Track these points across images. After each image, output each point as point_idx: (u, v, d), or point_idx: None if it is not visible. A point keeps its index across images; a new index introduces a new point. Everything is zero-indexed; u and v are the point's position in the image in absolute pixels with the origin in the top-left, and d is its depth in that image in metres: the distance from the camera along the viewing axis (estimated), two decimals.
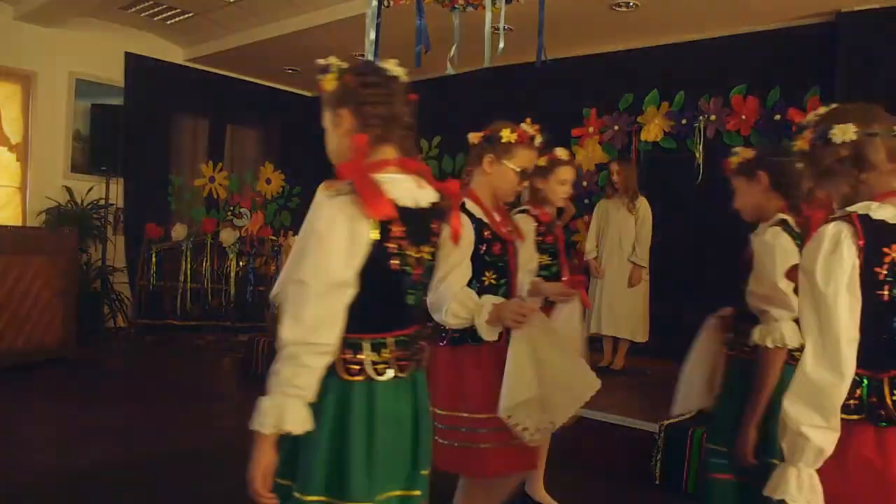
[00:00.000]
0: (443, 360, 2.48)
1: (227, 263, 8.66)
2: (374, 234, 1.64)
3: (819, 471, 1.56)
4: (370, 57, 3.81)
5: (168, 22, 8.06)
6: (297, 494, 1.70)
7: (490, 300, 2.33)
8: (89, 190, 8.16)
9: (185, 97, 9.06)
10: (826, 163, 1.71)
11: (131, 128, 8.23)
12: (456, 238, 1.88)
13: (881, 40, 5.66)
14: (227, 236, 8.57)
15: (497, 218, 2.62)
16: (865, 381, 1.63)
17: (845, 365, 1.55)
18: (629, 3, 6.14)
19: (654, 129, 6.91)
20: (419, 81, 8.93)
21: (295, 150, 10.09)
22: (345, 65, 1.84)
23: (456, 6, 3.96)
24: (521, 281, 2.73)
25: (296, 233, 7.92)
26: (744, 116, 6.36)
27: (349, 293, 1.64)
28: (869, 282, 1.58)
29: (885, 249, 1.59)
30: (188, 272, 8.51)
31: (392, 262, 1.70)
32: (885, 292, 1.59)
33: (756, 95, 6.33)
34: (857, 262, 1.58)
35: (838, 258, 1.57)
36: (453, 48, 4.05)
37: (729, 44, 6.52)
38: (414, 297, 1.80)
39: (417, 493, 1.79)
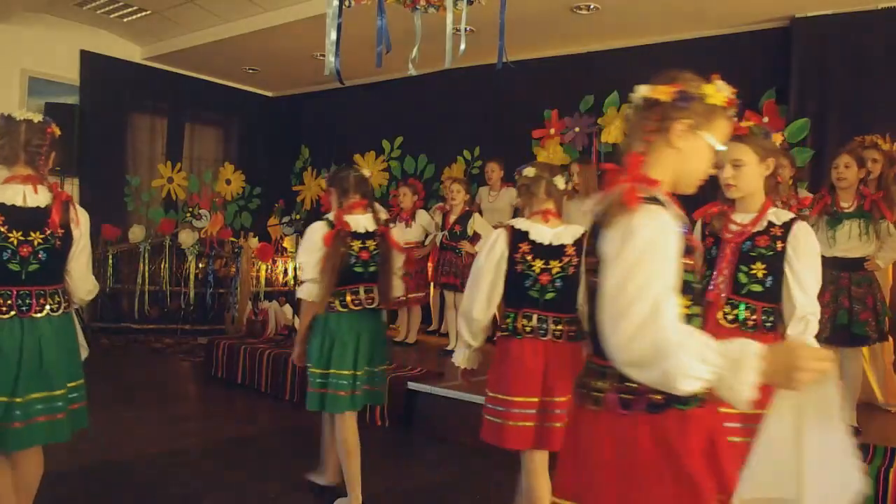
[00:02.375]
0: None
1: (186, 265, 8.55)
2: None
3: (497, 363, 3.02)
4: (331, 58, 3.78)
5: (125, 20, 7.93)
6: None
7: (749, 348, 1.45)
8: None
9: (142, 96, 8.93)
10: (519, 187, 3.16)
11: (87, 127, 8.08)
12: (54, 227, 2.73)
13: (834, 45, 5.80)
14: (186, 238, 8.45)
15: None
16: (512, 315, 2.97)
17: (485, 308, 2.94)
18: (590, 5, 6.20)
19: (614, 130, 6.98)
20: (380, 82, 8.94)
21: (255, 151, 10.01)
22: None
23: (417, 7, 3.95)
24: None
25: (256, 234, 7.83)
26: None
27: None
28: (512, 261, 2.94)
29: (519, 245, 2.96)
30: (146, 274, 8.38)
31: None
32: (517, 268, 2.94)
33: None
34: (506, 250, 2.95)
35: (494, 249, 2.96)
36: (414, 49, 4.04)
37: (687, 47, 6.62)
38: (19, 265, 2.68)
39: (18, 399, 2.64)
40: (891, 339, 4.50)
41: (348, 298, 3.40)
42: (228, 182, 9.65)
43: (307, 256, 3.36)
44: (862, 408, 4.35)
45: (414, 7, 3.96)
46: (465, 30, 3.93)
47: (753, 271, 2.64)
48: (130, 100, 8.83)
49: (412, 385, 5.13)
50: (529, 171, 3.06)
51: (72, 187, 8.16)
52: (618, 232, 1.51)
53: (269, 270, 8.50)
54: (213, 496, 3.75)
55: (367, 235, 3.45)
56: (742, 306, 2.65)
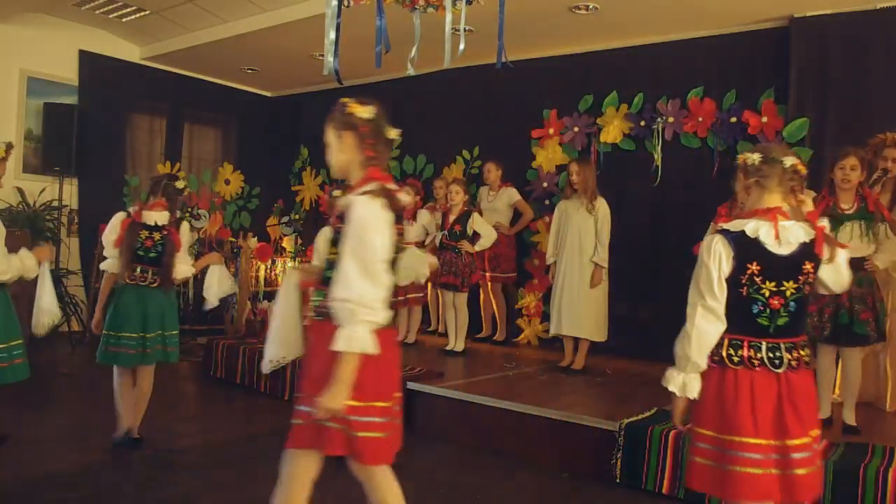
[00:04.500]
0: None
1: None
2: None
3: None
4: (330, 58, 3.77)
5: (124, 20, 7.93)
6: None
7: None
8: (42, 191, 7.98)
9: (141, 96, 8.92)
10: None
11: (86, 127, 8.07)
12: None
13: (833, 44, 5.81)
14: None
15: None
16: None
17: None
18: (589, 5, 6.19)
19: (613, 130, 6.98)
20: (379, 82, 8.92)
21: (254, 151, 9.99)
22: None
23: (416, 7, 3.95)
24: None
25: (255, 234, 7.80)
26: (700, 118, 6.46)
27: None
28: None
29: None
30: None
31: None
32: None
33: (712, 98, 6.43)
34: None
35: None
36: (413, 49, 4.04)
37: (686, 47, 6.62)
38: None
39: None
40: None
41: (135, 274, 4.24)
42: (227, 182, 9.64)
43: (107, 237, 4.25)
44: (862, 408, 4.35)
45: (413, 7, 3.95)
46: (465, 30, 3.93)
47: (330, 257, 2.38)
48: (129, 100, 8.83)
49: (412, 385, 5.12)
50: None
51: (71, 187, 8.16)
52: None
53: (268, 270, 8.49)
54: (211, 496, 3.74)
55: (155, 228, 4.26)
56: (318, 294, 2.42)
